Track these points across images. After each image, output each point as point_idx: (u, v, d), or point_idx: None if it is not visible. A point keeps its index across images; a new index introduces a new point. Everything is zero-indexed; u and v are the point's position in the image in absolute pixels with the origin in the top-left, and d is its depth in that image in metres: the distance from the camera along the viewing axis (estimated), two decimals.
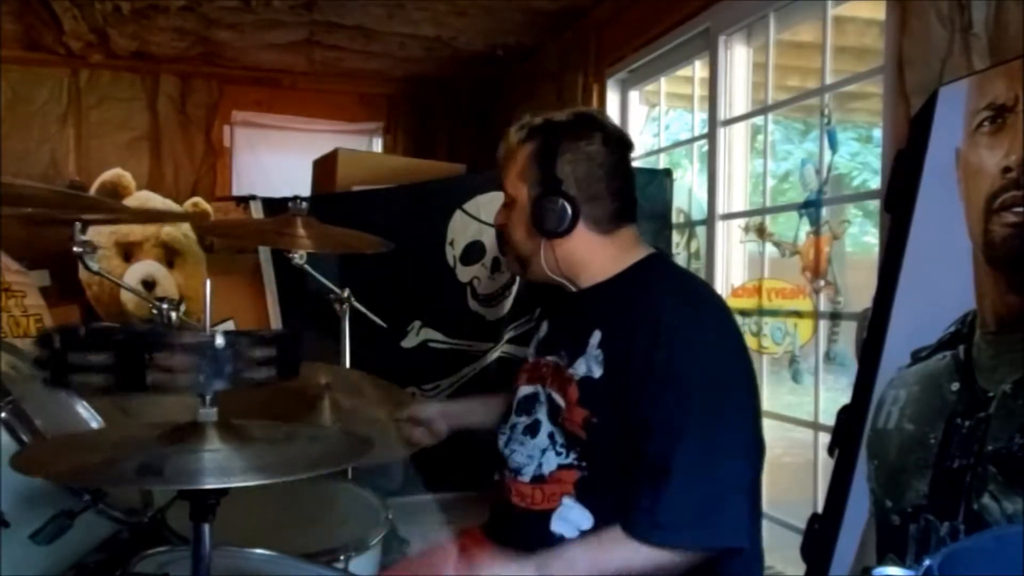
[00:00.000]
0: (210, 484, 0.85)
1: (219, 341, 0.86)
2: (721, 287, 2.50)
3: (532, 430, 1.44)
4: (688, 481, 1.25)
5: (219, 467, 0.88)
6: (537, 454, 1.42)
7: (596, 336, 1.38)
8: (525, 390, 1.49)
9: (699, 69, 2.73)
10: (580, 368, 1.38)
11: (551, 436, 1.41)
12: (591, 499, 1.35)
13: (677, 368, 1.28)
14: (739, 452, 1.31)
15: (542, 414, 1.43)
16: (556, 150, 1.40)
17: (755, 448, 1.36)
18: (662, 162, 2.91)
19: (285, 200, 2.09)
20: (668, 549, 1.25)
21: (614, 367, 1.35)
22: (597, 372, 1.36)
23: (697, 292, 1.46)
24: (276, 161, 4.07)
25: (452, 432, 1.70)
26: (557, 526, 1.37)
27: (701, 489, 1.25)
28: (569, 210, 1.38)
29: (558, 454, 1.39)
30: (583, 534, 1.35)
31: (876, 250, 1.85)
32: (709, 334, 1.35)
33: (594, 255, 1.43)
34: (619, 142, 1.45)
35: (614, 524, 1.29)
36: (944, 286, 1.49)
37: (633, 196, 1.47)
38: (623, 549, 1.26)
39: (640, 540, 1.25)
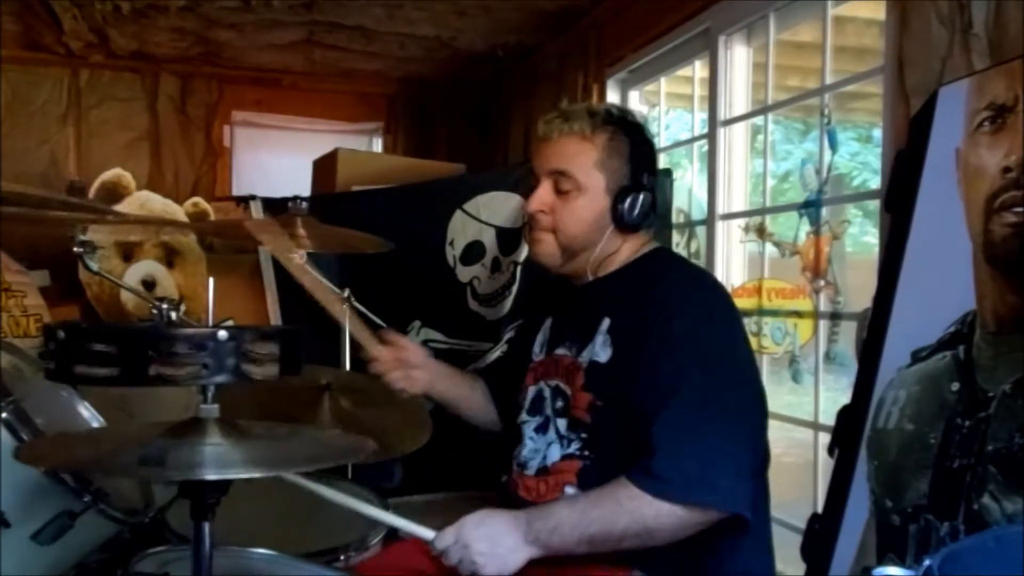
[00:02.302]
0: (210, 475, 0.85)
1: (222, 335, 0.86)
2: None
3: (543, 428, 1.46)
4: (689, 442, 1.26)
5: (219, 459, 0.88)
6: (543, 447, 1.44)
7: (605, 323, 1.40)
8: (532, 391, 1.51)
9: (699, 69, 2.73)
10: (586, 355, 1.41)
11: (557, 429, 1.43)
12: (592, 488, 1.35)
13: (679, 342, 1.31)
14: (742, 425, 1.32)
15: (550, 411, 1.45)
16: (641, 148, 1.46)
17: (757, 429, 1.37)
18: (662, 162, 2.91)
19: (285, 200, 2.10)
20: (668, 502, 1.24)
21: (620, 350, 1.37)
22: (604, 356, 1.39)
23: (701, 278, 1.52)
24: (276, 161, 4.06)
25: (425, 395, 1.69)
26: None
27: (702, 451, 1.26)
28: (649, 207, 1.45)
29: (562, 446, 1.41)
30: None
31: (876, 250, 1.85)
32: (712, 314, 1.38)
33: (625, 249, 1.47)
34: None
35: (618, 480, 1.28)
36: (944, 286, 1.49)
37: None
38: (625, 496, 1.25)
39: (642, 489, 1.24)
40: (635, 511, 1.25)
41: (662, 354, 1.31)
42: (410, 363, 1.61)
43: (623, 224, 1.43)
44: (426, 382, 1.63)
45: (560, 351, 1.47)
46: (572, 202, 1.43)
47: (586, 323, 1.42)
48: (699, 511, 1.25)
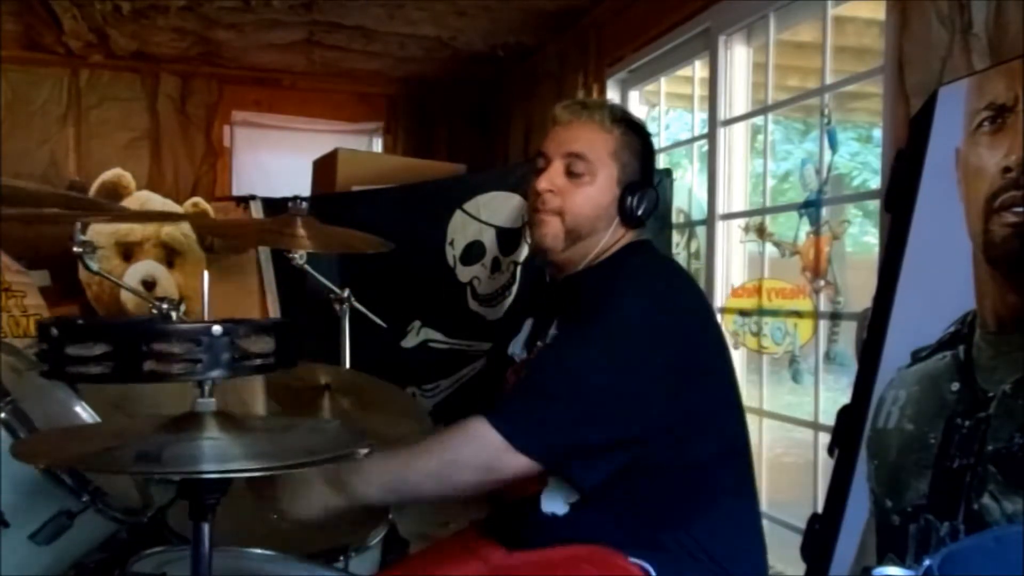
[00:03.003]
0: (208, 469, 0.84)
1: (216, 329, 0.86)
2: (721, 287, 2.50)
3: None
4: (540, 393, 1.28)
5: (218, 454, 0.88)
6: None
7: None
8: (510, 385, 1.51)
9: (699, 69, 2.73)
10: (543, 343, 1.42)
11: None
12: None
13: (597, 314, 1.32)
14: (616, 402, 1.29)
15: None
16: (648, 149, 1.50)
17: (644, 411, 1.32)
18: (662, 162, 2.91)
19: (285, 200, 2.09)
20: (497, 433, 1.23)
21: (562, 327, 1.40)
22: (549, 337, 1.41)
23: (661, 266, 1.51)
24: (276, 161, 4.07)
25: None
26: (547, 506, 1.38)
27: (545, 405, 1.27)
28: (653, 205, 1.47)
29: None
30: (572, 507, 1.36)
31: (876, 250, 1.85)
32: (647, 298, 1.37)
33: (618, 245, 1.48)
34: None
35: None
36: (944, 286, 1.49)
37: None
38: (449, 430, 1.28)
39: (485, 416, 1.25)
40: (450, 436, 1.28)
41: (578, 321, 1.34)
42: None
43: (627, 218, 1.45)
44: None
45: (539, 345, 1.48)
46: (584, 187, 1.43)
47: (554, 314, 1.44)
48: (507, 453, 1.24)
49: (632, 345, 1.32)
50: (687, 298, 1.44)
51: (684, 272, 1.60)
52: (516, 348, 1.54)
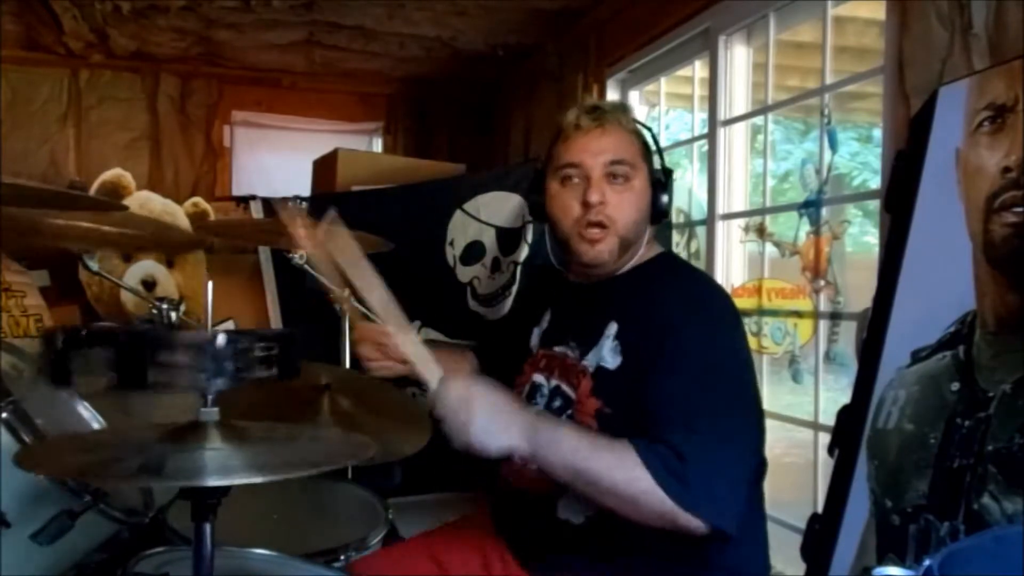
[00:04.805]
0: (211, 481, 0.85)
1: (221, 340, 0.86)
2: None
3: None
4: (715, 459, 1.22)
5: (220, 465, 0.88)
6: None
7: (612, 327, 1.39)
8: (532, 380, 1.50)
9: (699, 69, 2.73)
10: (592, 359, 1.39)
11: None
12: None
13: (688, 358, 1.30)
14: (750, 440, 1.33)
15: (542, 405, 1.44)
16: (656, 143, 1.50)
17: (758, 441, 1.38)
18: None
19: (285, 200, 2.10)
20: (678, 506, 1.19)
21: (630, 358, 1.36)
22: (613, 363, 1.37)
23: (708, 287, 1.51)
24: (276, 161, 4.07)
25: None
26: (563, 512, 1.37)
27: (725, 470, 1.23)
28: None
29: None
30: (589, 520, 1.35)
31: (876, 250, 1.85)
32: (718, 327, 1.37)
33: (640, 249, 1.48)
34: None
35: (624, 442, 1.22)
36: (944, 286, 1.49)
37: None
38: (635, 473, 1.19)
39: (660, 485, 1.19)
40: (640, 490, 1.20)
41: (673, 368, 1.29)
42: (391, 355, 1.58)
43: (659, 215, 1.46)
44: (402, 371, 1.58)
45: (561, 348, 1.46)
46: (628, 192, 1.41)
47: (591, 324, 1.41)
48: (694, 522, 1.22)
49: (749, 382, 1.36)
50: (739, 319, 1.44)
51: (716, 283, 1.65)
52: (533, 339, 1.53)
